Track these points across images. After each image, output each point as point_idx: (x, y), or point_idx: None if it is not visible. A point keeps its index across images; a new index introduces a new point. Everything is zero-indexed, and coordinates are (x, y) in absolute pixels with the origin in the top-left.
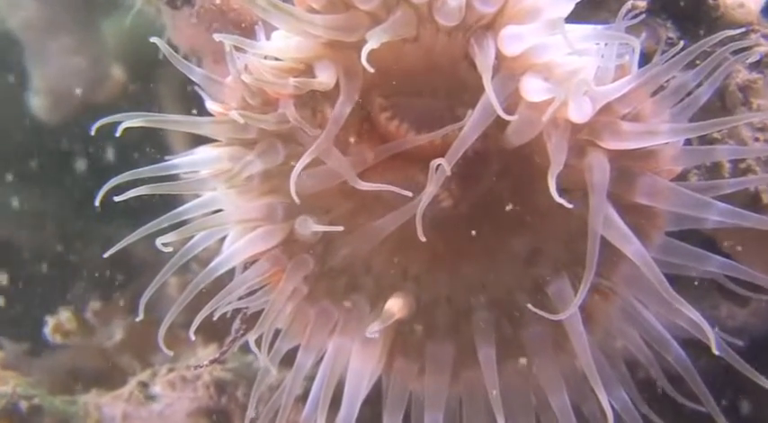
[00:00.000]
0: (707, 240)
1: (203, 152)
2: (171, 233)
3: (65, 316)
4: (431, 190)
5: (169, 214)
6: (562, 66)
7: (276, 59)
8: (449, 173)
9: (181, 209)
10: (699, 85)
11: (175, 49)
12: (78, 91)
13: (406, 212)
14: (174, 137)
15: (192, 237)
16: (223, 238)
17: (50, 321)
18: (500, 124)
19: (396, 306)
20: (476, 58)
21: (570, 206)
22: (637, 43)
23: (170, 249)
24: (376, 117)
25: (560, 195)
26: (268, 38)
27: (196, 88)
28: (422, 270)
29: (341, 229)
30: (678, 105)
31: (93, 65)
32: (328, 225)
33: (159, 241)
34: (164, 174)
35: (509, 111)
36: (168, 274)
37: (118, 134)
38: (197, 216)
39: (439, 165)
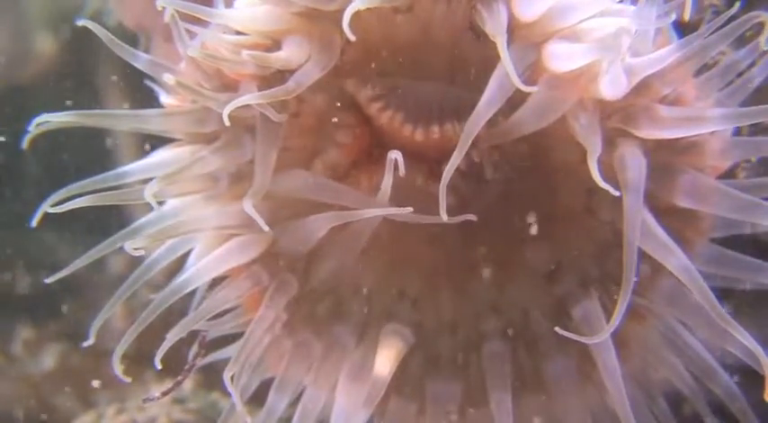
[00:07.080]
0: (760, 247)
1: (160, 155)
2: (140, 237)
3: None
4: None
5: (124, 231)
6: (593, 30)
7: (239, 34)
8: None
9: (138, 223)
10: (752, 65)
11: (120, 27)
12: None
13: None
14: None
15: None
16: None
17: None
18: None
19: (386, 364)
20: (484, 26)
21: (618, 194)
22: None
23: (142, 253)
24: (365, 107)
25: (586, 196)
26: (229, 6)
27: (147, 82)
28: (421, 290)
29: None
30: (727, 88)
31: (12, 37)
32: None
33: (130, 246)
34: (114, 184)
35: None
36: (126, 294)
37: (36, 129)
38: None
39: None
